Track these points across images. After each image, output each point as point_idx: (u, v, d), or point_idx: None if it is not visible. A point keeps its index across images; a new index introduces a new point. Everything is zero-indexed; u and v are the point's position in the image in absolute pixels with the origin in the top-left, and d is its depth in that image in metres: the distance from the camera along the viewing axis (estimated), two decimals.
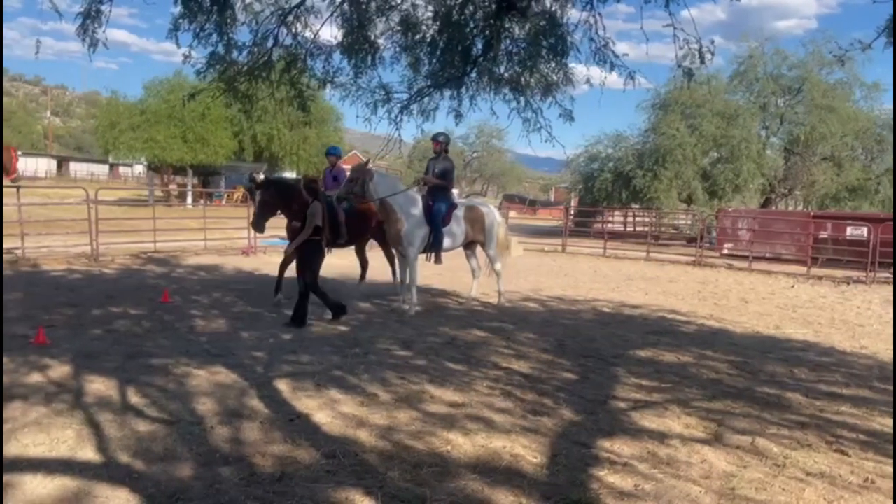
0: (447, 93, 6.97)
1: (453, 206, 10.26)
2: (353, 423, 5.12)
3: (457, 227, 10.22)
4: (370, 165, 9.83)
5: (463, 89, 6.93)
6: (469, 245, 10.89)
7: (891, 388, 6.68)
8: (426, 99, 6.99)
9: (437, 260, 10.15)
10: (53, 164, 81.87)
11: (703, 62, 5.75)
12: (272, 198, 9.12)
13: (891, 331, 9.79)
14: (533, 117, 6.91)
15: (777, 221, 23.61)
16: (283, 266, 10.20)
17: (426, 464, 4.40)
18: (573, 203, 36.56)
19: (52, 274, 12.49)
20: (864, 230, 19.04)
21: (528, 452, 4.67)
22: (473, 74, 6.81)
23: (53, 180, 65.44)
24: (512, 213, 34.30)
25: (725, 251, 22.73)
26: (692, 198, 30.77)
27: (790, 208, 35.65)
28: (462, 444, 4.76)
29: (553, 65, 6.61)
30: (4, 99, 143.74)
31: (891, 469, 4.58)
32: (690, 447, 4.92)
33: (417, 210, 9.84)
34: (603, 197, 31.86)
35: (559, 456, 4.63)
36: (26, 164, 76.40)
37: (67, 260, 14.20)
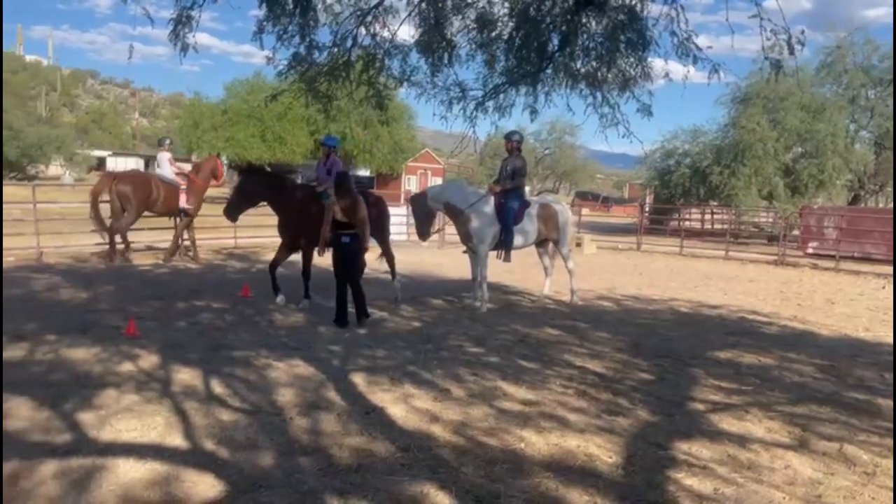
0: (522, 89, 6.94)
1: (525, 203, 10.21)
2: (428, 417, 5.18)
3: (529, 225, 10.17)
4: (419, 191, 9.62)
5: (539, 85, 6.89)
6: (541, 243, 10.82)
7: None
8: (501, 95, 6.99)
9: (507, 258, 10.11)
10: (141, 162, 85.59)
11: (791, 53, 5.52)
12: (254, 188, 8.61)
13: None
14: (610, 113, 6.80)
15: (866, 219, 22.46)
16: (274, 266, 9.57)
17: (500, 460, 4.41)
18: (648, 200, 35.77)
19: (140, 268, 13.08)
20: None
21: (602, 452, 4.62)
22: (549, 70, 6.76)
23: None
24: (584, 211, 33.87)
25: (810, 250, 21.82)
26: (773, 195, 29.63)
27: (881, 205, 33.89)
28: (535, 442, 4.75)
29: (631, 59, 6.49)
30: (97, 101, 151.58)
31: None
32: (773, 452, 4.76)
33: (489, 208, 9.85)
34: (679, 194, 31.08)
35: (635, 457, 4.56)
36: (116, 163, 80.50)
37: (154, 255, 14.84)
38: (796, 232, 24.24)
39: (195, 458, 4.29)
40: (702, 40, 6.21)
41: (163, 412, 5.07)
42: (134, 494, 3.80)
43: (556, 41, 6.57)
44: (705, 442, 4.89)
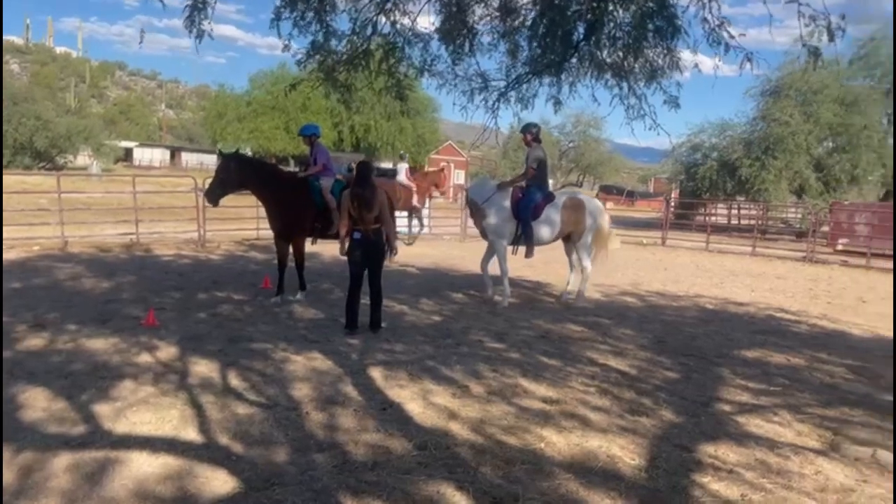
0: (546, 79, 6.78)
1: (549, 196, 9.97)
2: (445, 414, 5.08)
3: (556, 218, 9.94)
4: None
5: (563, 75, 6.72)
6: (568, 237, 10.61)
7: None
8: (524, 86, 6.83)
9: (528, 253, 9.89)
10: (167, 154, 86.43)
11: (832, 39, 5.32)
12: (233, 173, 8.50)
13: None
14: (636, 104, 6.62)
15: None
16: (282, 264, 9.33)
17: (519, 460, 4.29)
18: (674, 195, 35.27)
19: (163, 259, 13.13)
20: None
21: (625, 454, 4.49)
22: (574, 60, 6.59)
23: (167, 170, 69.05)
24: (609, 205, 33.47)
25: (840, 247, 21.36)
26: (804, 189, 29.06)
27: None
28: (556, 442, 4.63)
29: (659, 49, 6.29)
30: (125, 93, 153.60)
31: None
32: (803, 456, 4.59)
33: (506, 203, 9.66)
34: (706, 188, 30.61)
35: (659, 459, 4.42)
36: (143, 155, 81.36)
37: (177, 245, 14.91)
38: (825, 228, 23.75)
39: (209, 452, 4.23)
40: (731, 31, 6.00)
41: (178, 405, 5.03)
42: (146, 489, 3.74)
43: (581, 30, 6.38)
44: (732, 445, 4.73)
